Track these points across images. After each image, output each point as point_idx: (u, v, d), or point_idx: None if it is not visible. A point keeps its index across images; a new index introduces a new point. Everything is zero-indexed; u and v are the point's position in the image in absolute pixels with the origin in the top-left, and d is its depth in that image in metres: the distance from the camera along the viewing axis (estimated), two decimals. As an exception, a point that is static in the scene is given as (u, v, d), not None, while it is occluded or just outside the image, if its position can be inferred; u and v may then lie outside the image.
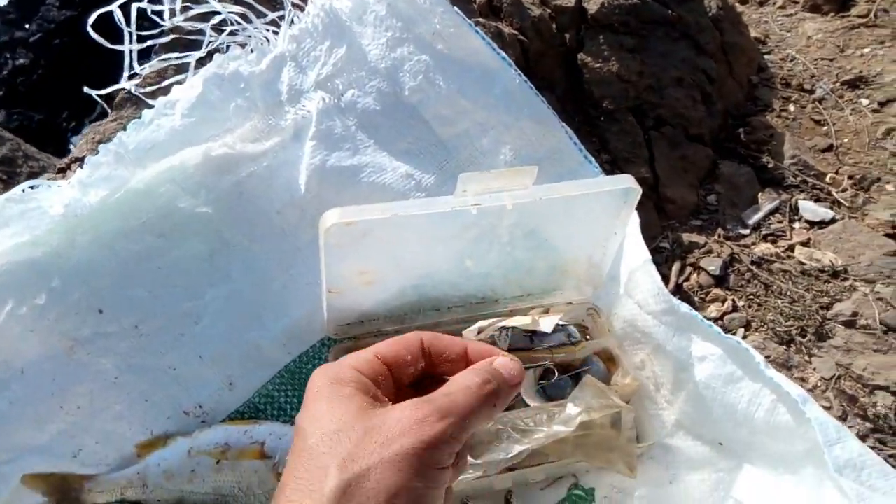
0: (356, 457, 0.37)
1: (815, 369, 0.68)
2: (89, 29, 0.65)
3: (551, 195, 0.61)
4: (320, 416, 0.40)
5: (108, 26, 0.66)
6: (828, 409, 0.65)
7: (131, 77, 0.68)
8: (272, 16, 0.73)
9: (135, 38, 0.66)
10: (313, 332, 0.71)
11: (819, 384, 0.67)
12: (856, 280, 0.79)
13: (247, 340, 0.69)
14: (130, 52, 0.67)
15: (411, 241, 0.63)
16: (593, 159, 0.78)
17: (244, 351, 0.69)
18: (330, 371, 0.43)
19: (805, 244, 0.83)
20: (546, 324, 0.65)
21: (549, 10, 0.83)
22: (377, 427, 0.38)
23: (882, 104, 1.11)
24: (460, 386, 0.42)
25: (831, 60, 1.20)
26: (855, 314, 0.73)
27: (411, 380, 0.46)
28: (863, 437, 0.63)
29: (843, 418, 0.64)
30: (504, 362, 0.45)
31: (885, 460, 0.64)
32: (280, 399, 0.70)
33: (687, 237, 0.85)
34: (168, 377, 0.67)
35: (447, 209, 0.59)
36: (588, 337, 0.76)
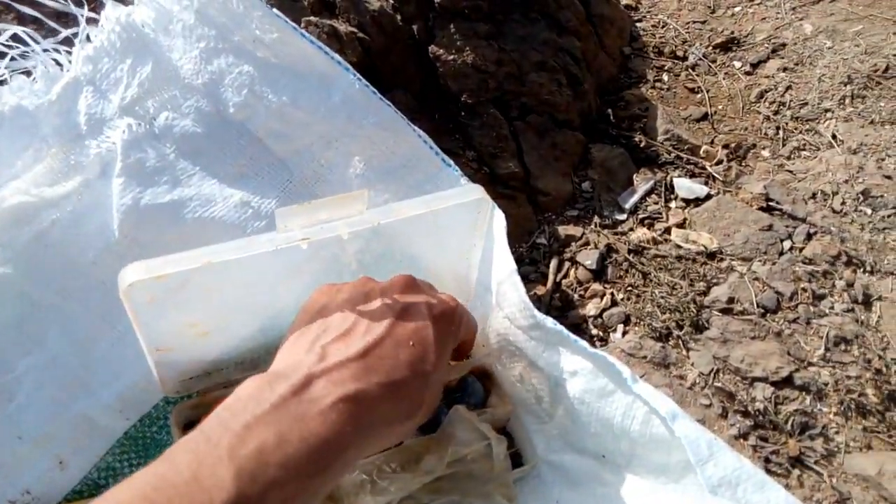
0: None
1: (692, 365, 0.65)
2: None
3: (390, 218, 0.55)
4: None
5: None
6: (708, 406, 0.63)
7: None
8: (64, 33, 0.63)
9: None
10: (153, 391, 0.63)
11: (697, 381, 0.64)
12: (732, 260, 0.77)
13: (74, 412, 0.60)
14: None
15: (242, 284, 0.56)
16: (452, 162, 0.72)
17: (72, 424, 0.60)
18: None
19: (681, 225, 0.81)
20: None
21: (390, 1, 0.76)
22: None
23: (754, 66, 1.10)
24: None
25: (703, 23, 1.18)
26: (731, 299, 0.71)
27: None
28: (744, 436, 0.61)
29: (723, 416, 0.62)
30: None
31: (768, 458, 0.62)
32: (124, 469, 0.63)
33: (563, 230, 0.81)
34: (-15, 465, 0.58)
35: (271, 249, 0.52)
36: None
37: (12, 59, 0.60)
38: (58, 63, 0.62)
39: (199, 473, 0.34)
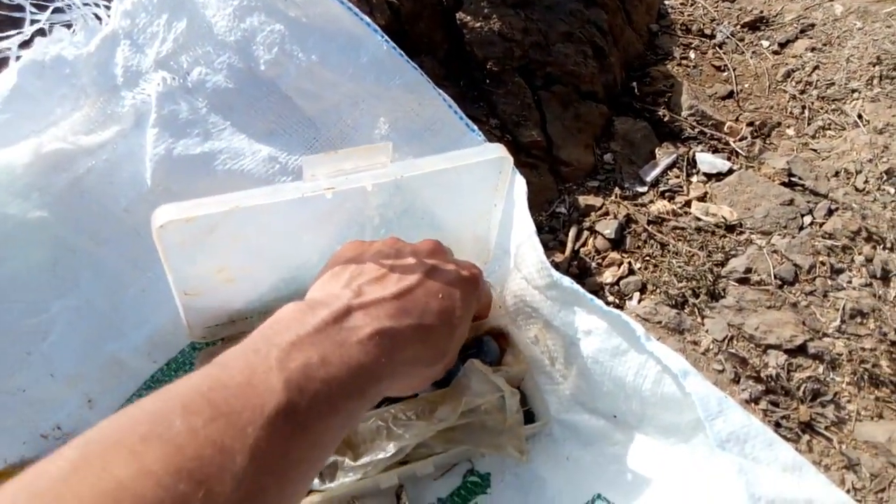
0: None
1: (707, 331, 0.66)
2: None
3: (413, 172, 0.56)
4: None
5: None
6: (720, 372, 0.64)
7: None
8: (103, -11, 0.65)
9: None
10: (180, 336, 0.65)
11: (711, 347, 0.65)
12: (752, 233, 0.77)
13: (104, 353, 0.63)
14: None
15: (269, 232, 0.58)
16: (476, 127, 0.73)
17: (102, 364, 0.63)
18: None
19: (701, 199, 0.81)
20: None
21: (420, -33, 0.77)
22: None
23: (782, 45, 1.09)
24: None
25: (732, 1, 1.18)
26: (749, 270, 0.71)
27: None
28: (756, 400, 0.61)
29: (735, 381, 0.63)
30: None
31: (778, 422, 0.63)
32: (150, 411, 0.65)
33: (584, 200, 0.82)
34: (19, 400, 0.61)
35: (297, 196, 0.53)
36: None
37: (54, 11, 0.62)
38: (97, 17, 0.64)
39: (253, 379, 0.36)
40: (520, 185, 0.70)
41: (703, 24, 1.12)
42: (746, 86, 1.02)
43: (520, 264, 0.68)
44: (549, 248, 0.78)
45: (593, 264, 0.76)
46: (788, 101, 1.00)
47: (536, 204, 0.82)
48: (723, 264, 0.73)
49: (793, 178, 0.83)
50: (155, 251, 0.64)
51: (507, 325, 0.68)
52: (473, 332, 0.68)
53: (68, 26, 0.63)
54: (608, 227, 0.78)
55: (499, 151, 0.59)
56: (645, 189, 0.84)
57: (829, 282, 0.72)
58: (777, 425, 0.61)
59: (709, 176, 0.85)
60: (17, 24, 0.63)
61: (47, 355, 0.61)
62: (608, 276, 0.74)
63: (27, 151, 0.60)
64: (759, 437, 0.52)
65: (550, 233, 0.80)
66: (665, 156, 0.87)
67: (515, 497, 0.64)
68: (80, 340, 0.62)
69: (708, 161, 0.87)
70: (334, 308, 0.44)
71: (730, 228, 0.77)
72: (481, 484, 0.64)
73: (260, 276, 0.63)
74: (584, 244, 0.78)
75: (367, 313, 0.45)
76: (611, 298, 0.73)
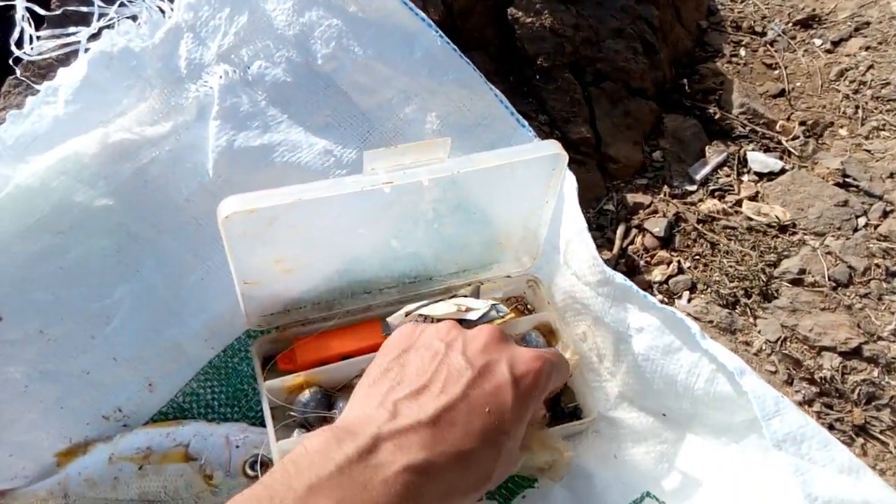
0: None
1: (759, 332, 0.66)
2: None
3: (470, 168, 0.57)
4: None
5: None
6: (773, 373, 0.63)
7: (19, 46, 0.61)
8: (167, -17, 0.67)
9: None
10: (237, 325, 0.67)
11: (764, 347, 0.65)
12: (805, 234, 0.76)
13: (164, 338, 0.65)
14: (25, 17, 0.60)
15: (326, 225, 0.59)
16: (526, 123, 0.73)
17: (162, 350, 0.65)
18: None
19: (753, 198, 0.80)
20: (474, 314, 0.61)
21: (474, -37, 0.78)
22: None
23: (835, 44, 1.07)
24: None
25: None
26: (802, 271, 0.71)
27: None
28: (809, 402, 0.61)
29: (789, 383, 0.62)
30: None
31: (832, 424, 0.62)
32: (207, 396, 0.67)
33: (632, 197, 0.82)
34: (82, 382, 0.63)
35: (357, 189, 0.54)
36: (529, 309, 0.74)
37: (121, 4, 0.64)
38: (161, 10, 0.65)
39: None
40: (570, 181, 0.70)
41: (754, 22, 1.10)
42: (798, 84, 1.01)
43: (570, 260, 0.68)
44: (597, 246, 0.78)
45: (642, 262, 0.76)
46: (842, 101, 0.98)
47: (584, 201, 0.82)
48: (775, 265, 0.72)
49: (847, 179, 0.82)
50: (214, 241, 0.66)
51: (554, 321, 0.69)
52: (521, 328, 0.69)
53: (133, 19, 0.65)
54: (657, 226, 0.78)
55: (554, 148, 0.60)
56: (694, 187, 0.83)
57: (885, 284, 0.71)
58: (831, 427, 0.61)
59: (760, 175, 0.84)
60: (86, 18, 0.65)
61: (110, 339, 0.63)
62: (657, 275, 0.74)
63: (95, 141, 0.62)
64: (816, 438, 0.51)
65: (598, 230, 0.80)
66: (715, 154, 0.86)
67: (562, 493, 0.64)
68: (142, 326, 0.64)
69: (759, 160, 0.86)
70: (361, 441, 0.41)
71: (782, 229, 0.76)
72: (528, 478, 0.65)
73: (315, 267, 0.64)
74: (632, 242, 0.78)
75: (398, 444, 0.41)
76: (660, 297, 0.73)
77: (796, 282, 0.70)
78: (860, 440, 0.61)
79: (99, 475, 0.62)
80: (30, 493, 0.61)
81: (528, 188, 0.64)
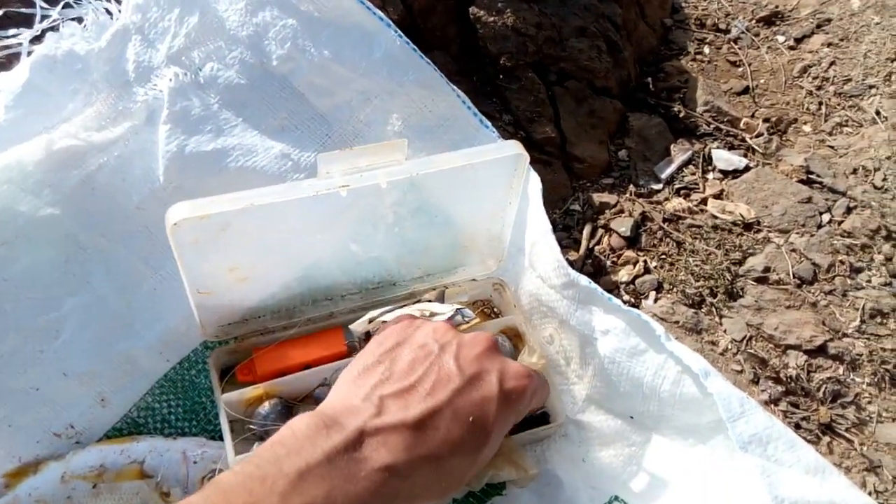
0: None
1: (725, 331, 0.65)
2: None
3: (429, 169, 0.56)
4: None
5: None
6: (739, 373, 0.63)
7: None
8: (114, -17, 0.65)
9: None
10: (192, 336, 0.64)
11: (730, 347, 0.64)
12: (769, 231, 0.76)
13: (117, 351, 0.62)
14: None
15: (281, 230, 0.57)
16: (489, 123, 0.72)
17: (115, 363, 0.62)
18: None
19: (718, 196, 0.80)
20: (439, 318, 0.60)
21: (433, -39, 0.76)
22: None
23: (798, 40, 1.08)
24: None
25: (747, -3, 1.16)
26: (767, 269, 0.70)
27: None
28: (775, 401, 0.61)
29: (755, 381, 0.62)
30: None
31: (798, 423, 0.62)
32: (163, 410, 0.65)
33: (598, 197, 0.81)
34: (32, 398, 0.60)
35: (311, 193, 0.53)
36: (496, 313, 0.73)
37: (65, 5, 0.61)
38: (108, 11, 0.63)
39: None
40: (534, 182, 0.69)
41: (718, 19, 1.11)
42: (762, 81, 1.01)
43: (535, 263, 0.67)
44: (563, 246, 0.77)
45: (608, 263, 0.76)
46: (805, 98, 0.99)
47: (550, 201, 0.81)
48: (740, 263, 0.72)
49: (811, 176, 0.82)
50: (167, 249, 0.63)
51: (521, 324, 0.68)
52: (487, 332, 0.68)
53: (79, 21, 0.62)
54: (623, 225, 0.77)
55: (515, 149, 0.58)
56: (660, 186, 0.83)
57: (849, 281, 0.71)
58: (797, 426, 0.61)
59: (725, 173, 0.84)
60: (28, 20, 0.62)
61: (60, 353, 0.61)
62: (624, 275, 0.73)
63: (39, 148, 0.59)
64: (782, 439, 0.51)
65: (565, 230, 0.80)
66: (680, 152, 0.86)
67: (531, 498, 0.63)
68: (93, 338, 0.62)
69: (724, 158, 0.85)
70: (348, 433, 0.42)
71: (747, 226, 0.76)
72: (497, 486, 0.63)
73: (272, 275, 0.62)
74: (598, 242, 0.77)
75: (381, 442, 0.42)
76: (626, 297, 0.72)
77: (761, 280, 0.70)
78: (826, 438, 0.60)
79: (51, 495, 0.59)
80: (-24, 517, 0.59)
81: (491, 189, 0.63)
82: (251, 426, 0.60)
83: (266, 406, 0.60)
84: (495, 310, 0.73)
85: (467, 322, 0.67)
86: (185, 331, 0.64)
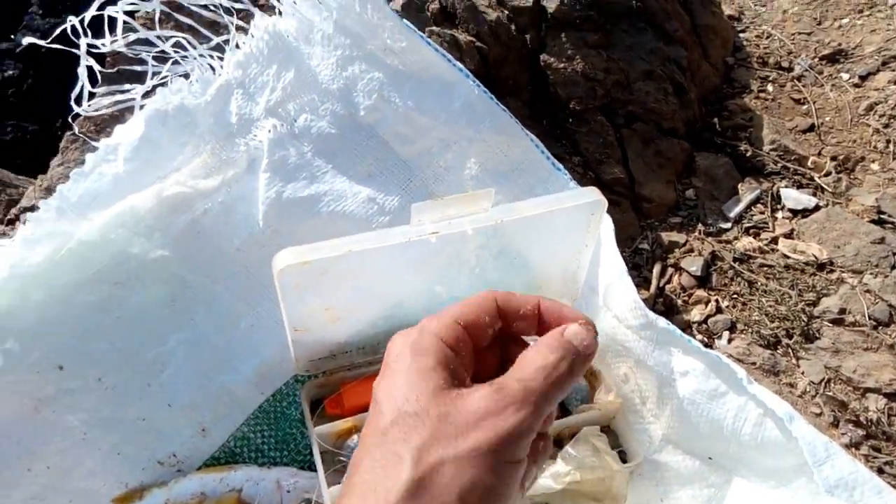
0: (430, 448, 0.37)
1: (803, 373, 0.66)
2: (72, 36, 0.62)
3: (512, 216, 0.58)
4: (397, 393, 0.39)
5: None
6: (818, 415, 0.63)
7: (78, 102, 0.64)
8: (216, 40, 0.70)
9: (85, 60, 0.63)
10: (285, 369, 0.68)
11: (808, 389, 0.65)
12: (843, 272, 0.76)
13: (217, 384, 0.66)
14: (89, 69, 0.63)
15: (374, 273, 0.61)
16: (562, 167, 0.75)
17: (215, 395, 0.66)
18: (411, 338, 0.42)
19: (788, 235, 0.81)
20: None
21: (506, 12, 0.80)
22: (453, 415, 0.38)
23: (863, 78, 1.08)
24: (534, 368, 0.39)
25: (809, 34, 1.17)
26: (843, 310, 0.71)
27: (488, 342, 0.44)
28: (856, 445, 0.61)
29: (834, 425, 0.62)
30: (576, 331, 0.41)
31: (881, 468, 0.62)
32: (256, 440, 0.68)
33: (667, 236, 0.82)
34: (138, 428, 0.65)
35: (404, 240, 0.56)
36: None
37: (173, 62, 0.67)
38: (212, 67, 0.68)
39: None
40: (607, 223, 0.71)
41: (781, 57, 1.12)
42: (828, 119, 1.02)
43: (610, 303, 0.69)
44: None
45: (679, 302, 0.77)
46: (872, 135, 0.99)
47: (619, 240, 0.82)
48: (815, 304, 0.72)
49: (882, 216, 0.83)
50: (263, 288, 0.68)
51: (596, 363, 0.69)
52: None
53: (185, 77, 0.68)
54: (693, 264, 0.78)
55: (593, 195, 0.61)
56: (729, 225, 0.84)
57: (927, 323, 0.71)
58: (880, 471, 0.61)
59: (794, 212, 0.85)
60: (139, 76, 0.68)
61: (165, 386, 0.65)
62: (696, 314, 0.75)
63: (150, 195, 0.64)
64: (868, 485, 0.51)
65: (634, 269, 0.81)
66: (748, 191, 0.87)
67: (610, 535, 0.64)
68: (195, 372, 0.66)
69: (793, 197, 0.86)
70: None
71: (820, 267, 0.77)
72: (574, 520, 0.65)
73: (362, 314, 0.66)
74: (668, 281, 0.79)
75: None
76: (699, 337, 0.73)
77: (837, 321, 0.70)
78: (910, 483, 0.60)
79: (155, 520, 0.63)
80: (87, 539, 0.63)
81: (568, 233, 0.66)
82: (341, 458, 0.63)
83: (355, 438, 0.64)
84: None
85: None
86: (279, 364, 0.68)
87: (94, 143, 0.65)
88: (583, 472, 0.59)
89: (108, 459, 0.64)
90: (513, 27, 0.82)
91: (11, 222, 0.72)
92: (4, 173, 1.55)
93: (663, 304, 0.77)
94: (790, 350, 0.68)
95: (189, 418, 0.66)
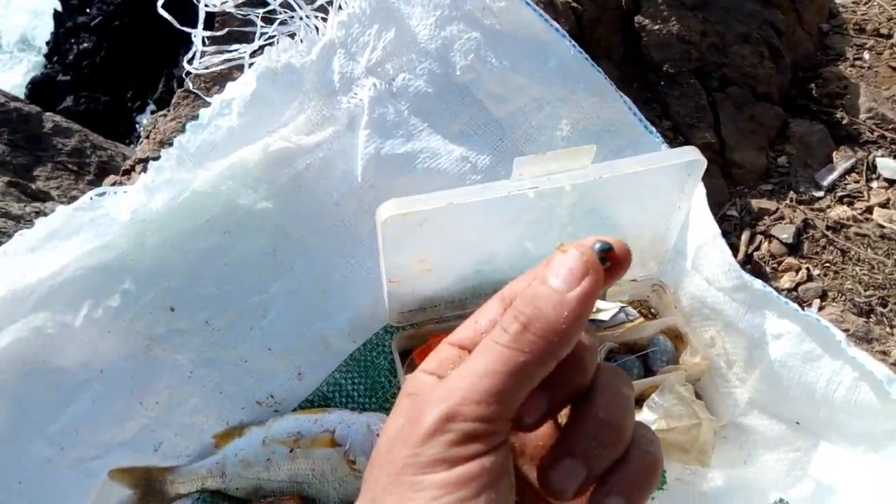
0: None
1: (899, 342, 0.65)
2: (160, 9, 0.65)
3: (612, 173, 0.59)
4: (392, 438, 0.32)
5: (173, 7, 0.66)
6: (915, 384, 0.62)
7: (191, 62, 0.67)
8: (320, 1, 0.72)
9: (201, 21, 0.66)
10: (376, 320, 0.71)
11: (904, 358, 0.64)
12: (943, 242, 0.74)
13: (313, 332, 0.70)
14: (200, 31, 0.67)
15: (469, 227, 0.62)
16: (654, 129, 0.75)
17: (311, 342, 0.70)
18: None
19: (884, 205, 0.79)
20: (604, 314, 0.63)
21: (602, -27, 0.80)
22: None
23: (969, 44, 1.03)
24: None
25: (911, -1, 1.11)
26: (943, 281, 0.69)
27: None
28: (954, 414, 0.59)
29: (931, 393, 0.61)
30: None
31: (980, 437, 0.60)
32: (347, 386, 0.72)
33: (756, 203, 0.81)
34: (240, 369, 0.69)
35: (504, 194, 0.57)
36: (653, 313, 0.75)
37: (280, 22, 0.69)
38: (316, 28, 0.70)
39: None
40: (698, 187, 0.71)
41: (879, 24, 1.07)
42: (929, 87, 0.97)
43: (700, 265, 0.69)
44: (720, 251, 0.78)
45: (768, 269, 0.76)
46: (977, 104, 0.94)
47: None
48: (913, 274, 0.71)
49: None
50: (357, 241, 0.71)
51: (681, 325, 0.70)
52: (648, 331, 0.70)
53: (291, 36, 0.70)
54: (784, 232, 0.77)
55: (693, 154, 0.61)
56: (822, 193, 0.82)
57: None
58: (979, 443, 0.59)
59: (890, 182, 0.83)
60: (247, 36, 0.71)
61: (266, 331, 0.69)
62: (785, 282, 0.74)
63: (258, 149, 0.68)
64: (971, 452, 0.51)
65: (722, 236, 0.80)
66: (843, 160, 0.85)
67: (690, 494, 0.65)
68: (293, 319, 0.69)
69: (889, 166, 0.84)
70: None
71: (918, 237, 0.75)
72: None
73: (452, 267, 0.68)
74: (757, 248, 0.78)
75: None
76: (789, 304, 0.72)
77: (937, 292, 0.69)
78: None
79: (253, 456, 0.67)
80: (192, 472, 0.67)
81: (662, 193, 0.66)
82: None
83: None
84: (652, 310, 0.75)
85: (630, 320, 0.70)
86: (371, 315, 0.71)
87: (206, 99, 0.68)
88: (669, 421, 0.60)
89: (212, 397, 0.69)
90: (606, -12, 0.82)
91: (127, 172, 0.76)
92: (96, 137, 1.63)
93: (751, 271, 0.76)
94: (885, 318, 0.67)
95: (286, 362, 0.69)
